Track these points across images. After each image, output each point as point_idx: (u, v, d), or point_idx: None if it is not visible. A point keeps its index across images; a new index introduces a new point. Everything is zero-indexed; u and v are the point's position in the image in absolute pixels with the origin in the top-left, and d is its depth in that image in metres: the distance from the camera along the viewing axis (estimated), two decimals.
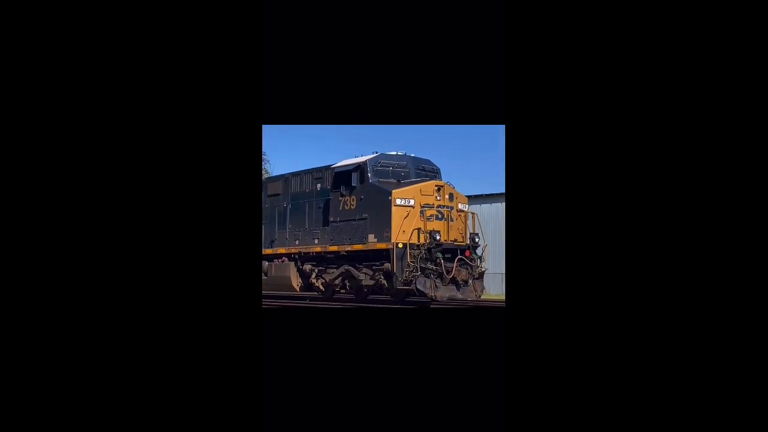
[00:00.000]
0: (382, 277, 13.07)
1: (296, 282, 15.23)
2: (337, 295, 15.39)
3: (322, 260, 14.76)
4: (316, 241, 14.81)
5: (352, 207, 13.91)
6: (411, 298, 13.72)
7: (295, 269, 15.23)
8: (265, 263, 15.92)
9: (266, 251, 16.03)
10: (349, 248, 13.83)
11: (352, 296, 14.84)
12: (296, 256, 15.25)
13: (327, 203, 14.61)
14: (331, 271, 14.48)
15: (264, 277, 15.94)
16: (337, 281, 14.43)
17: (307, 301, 14.69)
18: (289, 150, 53.33)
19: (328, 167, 14.83)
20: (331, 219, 14.36)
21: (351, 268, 13.89)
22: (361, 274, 13.58)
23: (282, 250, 15.59)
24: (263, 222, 16.39)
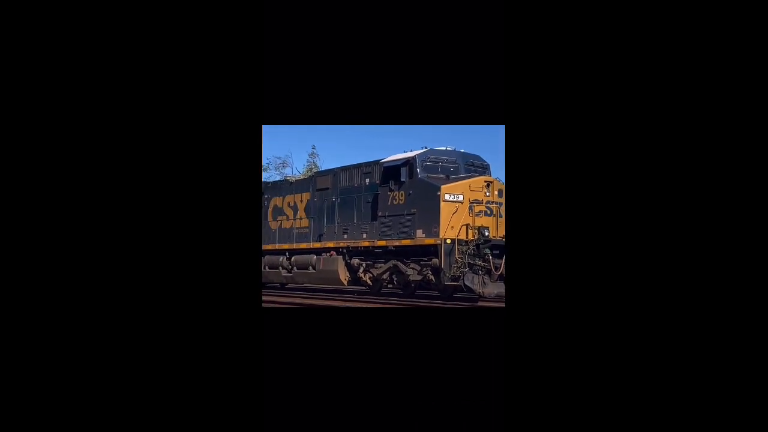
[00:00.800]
0: (429, 272, 13.02)
1: (344, 276, 15.31)
2: (384, 290, 15.41)
3: (370, 255, 14.79)
4: (365, 236, 14.85)
5: (401, 202, 13.90)
6: (458, 294, 13.64)
7: (343, 263, 15.31)
8: (314, 257, 16.06)
9: (315, 245, 16.17)
10: (397, 243, 13.82)
11: (399, 291, 14.84)
12: (344, 251, 15.32)
13: (375, 198, 14.63)
14: (379, 265, 14.50)
15: (312, 271, 16.09)
16: (384, 276, 14.45)
17: (355, 295, 14.76)
18: (334, 148, 53.62)
19: (377, 162, 14.85)
20: (380, 214, 14.37)
21: (399, 263, 13.89)
22: (409, 269, 13.56)
23: (330, 244, 15.69)
24: (311, 216, 16.54)
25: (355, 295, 14.82)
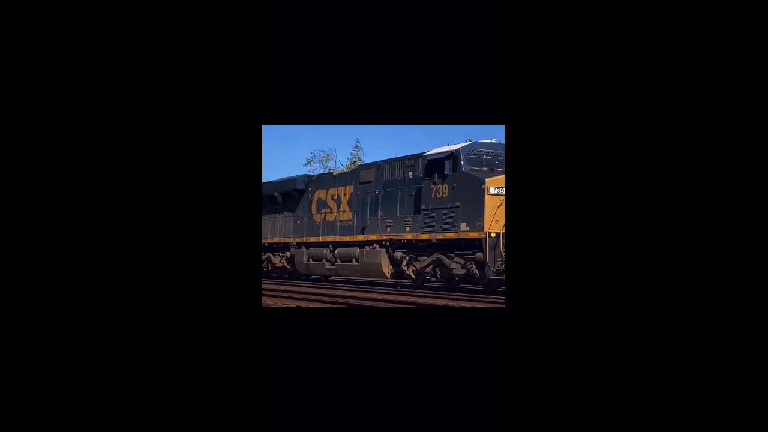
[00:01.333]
0: (474, 266, 12.92)
1: (387, 269, 15.32)
2: (427, 284, 15.37)
3: (413, 248, 14.76)
4: (408, 229, 14.82)
5: (444, 195, 13.81)
6: (503, 289, 13.50)
7: (386, 256, 15.32)
8: (357, 249, 16.11)
9: (358, 237, 16.22)
10: (440, 236, 13.76)
11: (443, 284, 14.78)
12: (387, 243, 15.33)
13: (419, 191, 14.58)
14: (422, 259, 14.46)
15: (355, 263, 16.15)
16: (428, 269, 14.41)
17: (398, 288, 14.76)
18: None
19: (420, 155, 14.79)
20: (423, 207, 14.31)
21: (442, 257, 13.82)
22: (453, 263, 13.48)
23: (373, 237, 15.71)
24: (354, 209, 16.58)
25: (399, 288, 14.82)
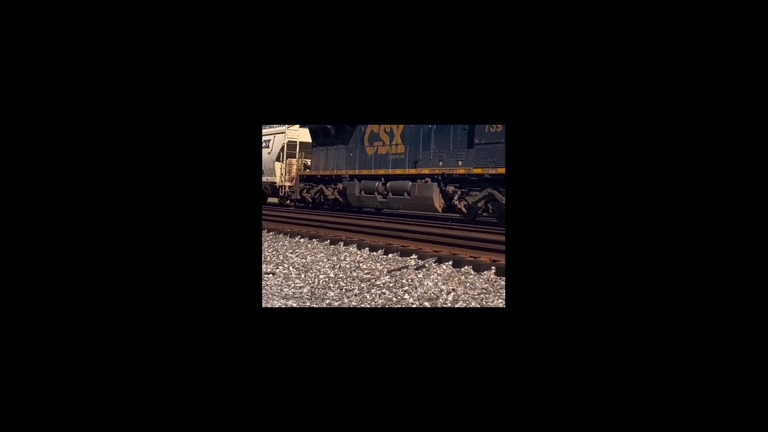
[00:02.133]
0: None
1: (438, 203, 15.37)
2: (479, 218, 15.37)
3: (465, 182, 14.72)
4: (460, 163, 14.74)
5: (498, 130, 13.62)
6: None
7: (438, 190, 15.34)
8: (409, 183, 16.16)
9: (410, 171, 16.24)
10: (493, 171, 13.65)
11: (494, 220, 14.76)
12: (439, 178, 15.31)
13: (472, 125, 14.39)
14: (474, 193, 14.42)
15: (407, 197, 16.23)
16: (479, 204, 14.38)
17: (450, 222, 14.81)
18: None
19: None
20: (476, 141, 14.17)
21: (494, 192, 13.75)
22: (505, 198, 13.40)
23: (426, 171, 15.70)
24: (407, 142, 16.53)
25: (450, 222, 14.88)
